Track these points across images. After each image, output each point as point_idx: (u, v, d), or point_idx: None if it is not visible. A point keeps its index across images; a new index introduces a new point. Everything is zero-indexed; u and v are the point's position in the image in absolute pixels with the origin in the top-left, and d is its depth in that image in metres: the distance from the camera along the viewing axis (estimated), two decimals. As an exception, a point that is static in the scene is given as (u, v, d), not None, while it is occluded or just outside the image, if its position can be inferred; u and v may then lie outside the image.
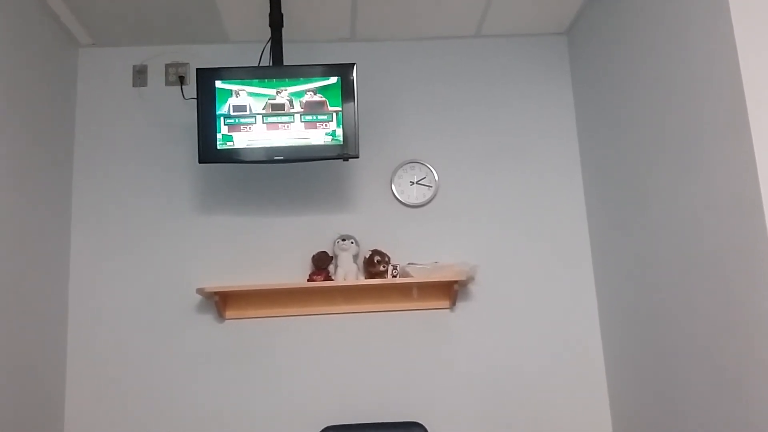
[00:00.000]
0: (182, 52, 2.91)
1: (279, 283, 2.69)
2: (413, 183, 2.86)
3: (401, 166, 2.86)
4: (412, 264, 2.67)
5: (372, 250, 2.71)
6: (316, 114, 2.49)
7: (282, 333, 2.72)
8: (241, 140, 2.47)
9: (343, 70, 2.52)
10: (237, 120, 2.48)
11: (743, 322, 1.75)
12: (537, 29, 2.95)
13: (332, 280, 2.67)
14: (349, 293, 2.74)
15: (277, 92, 2.49)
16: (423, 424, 2.63)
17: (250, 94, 2.49)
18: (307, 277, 2.71)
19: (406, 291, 2.76)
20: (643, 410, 2.40)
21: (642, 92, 2.30)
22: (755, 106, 1.69)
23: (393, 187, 2.85)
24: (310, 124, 2.49)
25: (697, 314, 1.99)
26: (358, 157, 2.52)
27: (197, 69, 2.53)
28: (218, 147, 2.47)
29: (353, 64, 2.53)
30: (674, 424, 2.17)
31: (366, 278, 2.70)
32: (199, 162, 2.48)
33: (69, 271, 2.73)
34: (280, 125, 2.48)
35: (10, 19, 2.32)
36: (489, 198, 2.86)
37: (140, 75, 2.90)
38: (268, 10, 2.64)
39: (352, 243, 2.69)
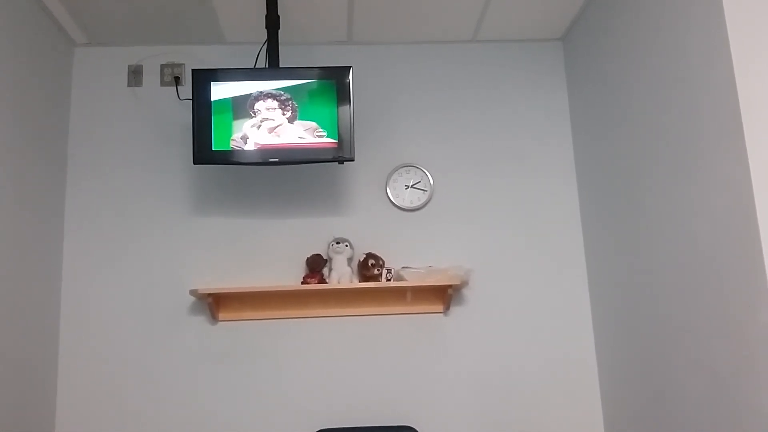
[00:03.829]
0: (178, 52, 2.91)
1: (273, 286, 2.69)
2: (408, 187, 2.86)
3: (396, 169, 2.86)
4: (407, 268, 2.67)
5: (366, 254, 2.70)
6: (312, 116, 2.49)
7: (275, 335, 2.71)
8: (233, 143, 2.47)
9: (339, 72, 2.52)
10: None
11: (737, 326, 1.76)
12: (533, 35, 2.96)
13: (326, 282, 2.66)
14: (343, 296, 2.74)
15: (262, 91, 2.48)
16: (416, 428, 2.63)
17: (246, 95, 2.49)
18: (301, 280, 2.70)
19: (400, 295, 2.75)
20: (635, 415, 2.41)
21: (637, 98, 2.31)
22: (749, 113, 1.70)
23: (388, 190, 2.85)
24: (306, 126, 2.48)
25: (690, 319, 1.99)
26: (353, 160, 2.51)
27: (193, 70, 2.52)
28: (213, 148, 2.47)
29: (349, 67, 2.53)
30: (666, 427, 2.17)
31: (360, 281, 2.70)
32: (194, 163, 2.47)
33: (61, 272, 2.72)
34: (275, 127, 2.48)
35: (4, 17, 2.31)
36: (483, 202, 2.86)
37: (135, 75, 2.89)
38: (265, 12, 2.64)
39: (346, 246, 2.68)
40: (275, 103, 2.47)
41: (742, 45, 1.73)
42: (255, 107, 2.48)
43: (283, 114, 2.47)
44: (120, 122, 2.85)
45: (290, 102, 2.48)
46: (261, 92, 2.48)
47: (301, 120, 2.48)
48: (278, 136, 2.47)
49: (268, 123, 2.47)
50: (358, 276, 2.72)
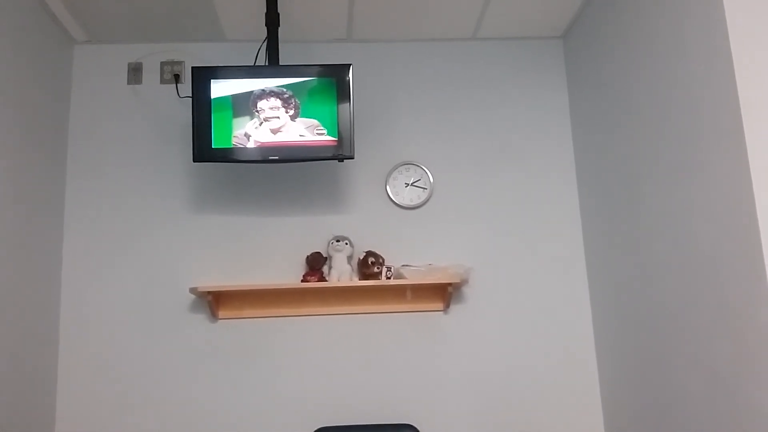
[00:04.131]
0: (178, 50, 2.90)
1: (272, 284, 2.69)
2: (408, 185, 2.85)
3: (396, 167, 2.86)
4: (406, 266, 2.67)
5: (366, 252, 2.70)
6: (312, 114, 2.49)
7: (275, 333, 2.71)
8: (236, 139, 2.47)
9: (339, 70, 2.52)
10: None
11: (737, 326, 1.76)
12: (533, 33, 2.95)
13: (326, 280, 2.66)
14: (343, 294, 2.74)
15: (264, 89, 2.48)
16: (415, 426, 2.63)
17: (246, 92, 2.48)
18: (301, 278, 2.70)
19: (399, 293, 2.75)
20: (635, 414, 2.41)
21: (637, 96, 2.31)
22: (749, 111, 1.70)
23: (388, 188, 2.85)
24: (306, 124, 2.48)
25: (690, 318, 1.99)
26: (353, 158, 2.51)
27: (192, 67, 2.52)
28: (213, 146, 2.47)
29: (349, 64, 2.53)
30: (666, 426, 2.17)
31: (360, 279, 2.70)
32: (194, 161, 2.47)
33: (61, 270, 2.71)
34: (279, 127, 2.47)
35: (5, 15, 2.31)
36: (483, 200, 2.86)
37: (135, 73, 2.89)
38: (265, 9, 2.63)
39: (346, 244, 2.68)
40: (278, 102, 2.47)
41: (743, 43, 1.73)
42: (258, 106, 2.47)
43: (286, 112, 2.47)
44: (120, 120, 2.85)
45: (293, 100, 2.48)
46: (264, 90, 2.47)
47: (303, 117, 2.48)
48: (282, 133, 2.47)
49: (271, 122, 2.46)
50: (358, 274, 2.72)
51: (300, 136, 2.47)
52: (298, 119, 2.48)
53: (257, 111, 2.47)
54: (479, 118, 2.93)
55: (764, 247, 1.62)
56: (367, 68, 2.94)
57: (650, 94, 2.21)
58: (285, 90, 2.48)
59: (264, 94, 2.47)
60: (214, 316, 2.70)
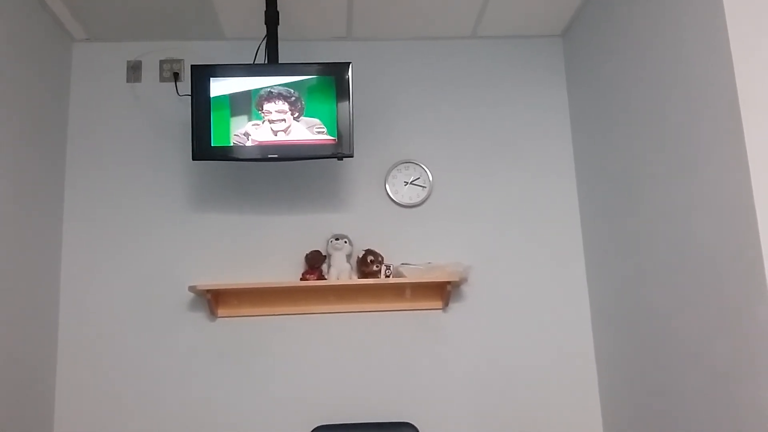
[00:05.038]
0: (177, 48, 2.90)
1: (272, 282, 2.68)
2: (407, 183, 2.85)
3: (395, 166, 2.86)
4: (406, 264, 2.67)
5: (365, 250, 2.70)
6: (311, 112, 2.48)
7: (274, 332, 2.71)
8: (235, 138, 2.46)
9: (338, 68, 2.52)
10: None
11: (735, 323, 1.76)
12: (533, 31, 2.95)
13: (325, 279, 2.66)
14: (342, 293, 2.74)
15: (272, 90, 2.48)
16: (414, 424, 2.63)
17: (245, 91, 2.48)
18: (300, 276, 2.70)
19: (399, 291, 2.75)
20: (634, 411, 2.41)
21: (636, 95, 2.30)
22: (749, 110, 1.70)
23: (387, 186, 2.84)
24: (308, 124, 2.48)
25: (689, 315, 1.99)
26: (352, 157, 2.51)
27: (192, 66, 2.52)
28: (212, 144, 2.46)
29: (349, 63, 2.53)
30: (665, 424, 2.17)
31: (359, 278, 2.70)
32: (193, 159, 2.47)
33: (60, 268, 2.71)
34: (285, 128, 2.47)
35: (3, 13, 2.30)
36: (483, 199, 2.86)
37: (134, 71, 2.88)
38: (264, 8, 2.63)
39: (345, 242, 2.68)
40: (285, 105, 2.46)
41: (742, 41, 1.73)
42: (264, 108, 2.46)
43: (292, 115, 2.47)
44: (119, 118, 2.85)
45: (299, 102, 2.47)
46: (271, 92, 2.47)
47: (306, 117, 2.48)
48: (284, 133, 2.46)
49: (276, 124, 2.46)
50: (357, 272, 2.72)
51: (302, 136, 2.47)
52: (301, 119, 2.48)
53: (263, 113, 2.47)
54: (479, 117, 2.93)
55: (763, 246, 1.62)
56: (366, 66, 2.94)
57: (650, 93, 2.20)
58: (292, 92, 2.47)
59: (272, 96, 2.47)
60: (213, 314, 2.70)
